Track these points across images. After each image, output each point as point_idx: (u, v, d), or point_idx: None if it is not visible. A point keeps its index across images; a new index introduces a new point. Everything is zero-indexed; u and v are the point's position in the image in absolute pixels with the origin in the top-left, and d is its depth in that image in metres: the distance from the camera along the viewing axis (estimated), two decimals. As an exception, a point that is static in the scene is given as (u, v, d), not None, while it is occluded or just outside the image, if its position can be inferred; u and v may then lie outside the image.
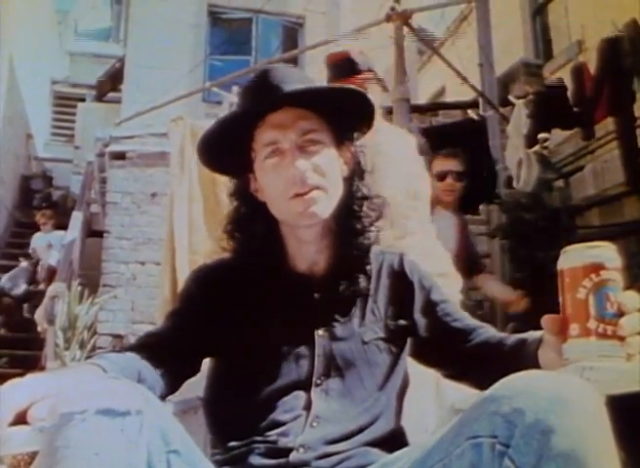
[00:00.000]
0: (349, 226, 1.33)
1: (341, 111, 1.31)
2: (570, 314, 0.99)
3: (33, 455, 0.96)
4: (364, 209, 1.34)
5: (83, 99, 13.80)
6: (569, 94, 4.64)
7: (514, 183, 4.83)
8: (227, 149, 1.31)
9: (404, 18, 4.61)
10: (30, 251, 9.37)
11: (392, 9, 4.66)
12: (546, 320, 1.04)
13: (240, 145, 1.31)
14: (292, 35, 10.25)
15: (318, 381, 1.23)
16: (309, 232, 1.30)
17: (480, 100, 5.66)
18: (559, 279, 1.01)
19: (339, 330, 1.28)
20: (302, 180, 1.24)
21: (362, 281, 1.33)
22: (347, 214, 1.33)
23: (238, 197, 1.37)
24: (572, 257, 1.00)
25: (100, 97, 12.24)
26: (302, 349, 1.25)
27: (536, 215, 5.43)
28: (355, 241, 1.33)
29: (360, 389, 1.25)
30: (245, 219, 1.35)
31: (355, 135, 1.39)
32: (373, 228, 1.35)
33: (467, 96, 6.38)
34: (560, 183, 6.11)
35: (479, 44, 6.14)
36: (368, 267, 1.35)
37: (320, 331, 1.27)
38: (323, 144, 1.29)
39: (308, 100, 1.28)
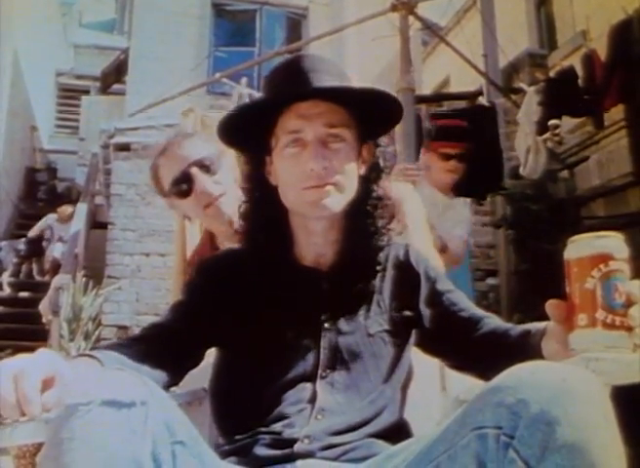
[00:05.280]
0: (364, 227, 1.32)
1: (369, 110, 1.29)
2: (578, 304, 0.97)
3: (39, 447, 0.96)
4: (378, 210, 1.34)
5: (87, 91, 13.82)
6: (579, 81, 4.60)
7: (521, 170, 4.79)
8: (248, 130, 1.30)
9: (409, 7, 4.59)
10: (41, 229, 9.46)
11: (397, -2, 4.65)
12: (551, 305, 1.03)
13: (261, 128, 1.31)
14: (296, 27, 10.25)
15: (323, 374, 1.23)
16: (318, 224, 1.30)
17: (485, 91, 5.64)
18: (566, 269, 1.00)
19: (344, 322, 1.28)
20: (319, 176, 1.23)
21: (369, 275, 1.33)
22: (362, 213, 1.32)
23: (252, 179, 1.37)
24: (580, 247, 0.99)
25: (104, 89, 12.25)
26: (308, 341, 1.25)
27: (540, 206, 5.41)
28: (369, 241, 1.32)
29: (365, 381, 1.25)
30: (258, 202, 1.35)
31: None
32: (385, 230, 1.35)
33: (471, 86, 6.35)
34: (565, 174, 6.10)
35: (483, 35, 6.11)
36: (377, 262, 1.35)
37: (326, 324, 1.27)
38: (345, 142, 1.27)
39: (338, 96, 1.26)
